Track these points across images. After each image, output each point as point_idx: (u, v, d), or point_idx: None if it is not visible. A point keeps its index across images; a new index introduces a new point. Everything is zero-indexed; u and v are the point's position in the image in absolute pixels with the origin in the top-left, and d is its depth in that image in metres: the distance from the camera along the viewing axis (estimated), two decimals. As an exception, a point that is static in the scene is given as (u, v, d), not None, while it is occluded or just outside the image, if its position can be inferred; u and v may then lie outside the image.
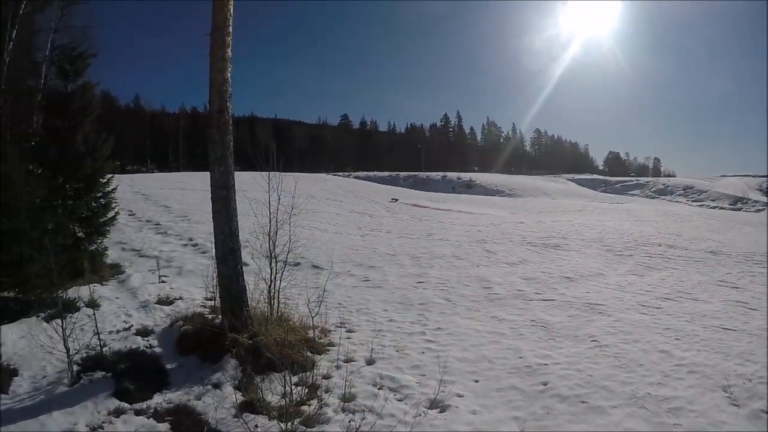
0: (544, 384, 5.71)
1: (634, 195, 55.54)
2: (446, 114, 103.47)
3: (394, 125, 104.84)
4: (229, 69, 6.83)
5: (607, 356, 6.34)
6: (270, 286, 7.01)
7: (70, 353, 6.07)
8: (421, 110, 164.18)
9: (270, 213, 7.00)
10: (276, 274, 6.98)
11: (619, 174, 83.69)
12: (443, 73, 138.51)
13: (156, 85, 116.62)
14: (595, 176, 73.99)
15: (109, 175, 10.84)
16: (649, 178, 70.61)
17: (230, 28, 6.84)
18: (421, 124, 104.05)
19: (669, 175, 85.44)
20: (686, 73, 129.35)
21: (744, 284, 9.89)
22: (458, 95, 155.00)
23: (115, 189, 10.89)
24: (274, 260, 7.01)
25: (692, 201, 54.11)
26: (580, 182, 63.65)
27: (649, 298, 8.87)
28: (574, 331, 7.27)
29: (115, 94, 73.07)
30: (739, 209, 48.71)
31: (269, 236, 7.06)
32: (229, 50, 6.80)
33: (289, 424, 4.96)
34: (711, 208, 47.66)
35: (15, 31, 11.04)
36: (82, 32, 13.44)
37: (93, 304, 8.10)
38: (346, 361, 6.38)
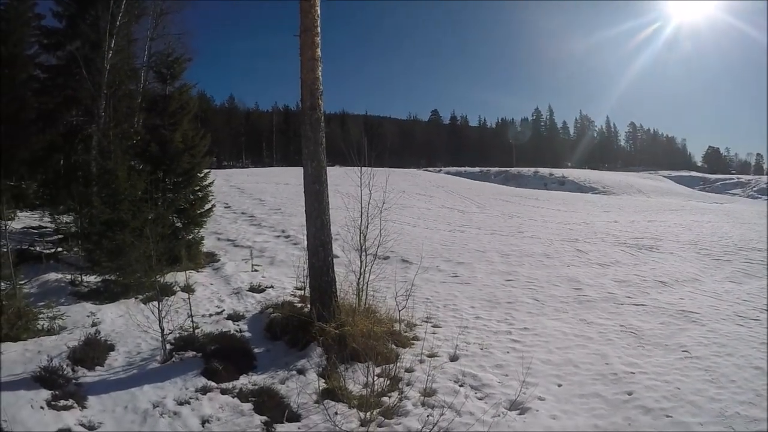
0: (629, 394, 5.47)
1: (734, 194, 50.82)
2: (537, 108, 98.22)
3: (484, 120, 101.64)
4: (320, 68, 7.01)
5: (697, 369, 5.96)
6: (359, 279, 7.20)
7: (164, 333, 6.61)
8: (512, 105, 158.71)
9: (361, 207, 7.18)
10: (365, 266, 7.16)
11: (719, 171, 77.06)
12: (534, 65, 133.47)
13: (249, 85, 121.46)
14: (693, 173, 68.32)
15: (206, 170, 11.61)
16: (751, 176, 64.28)
17: (318, 29, 7.01)
18: (512, 119, 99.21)
19: (772, 173, 77.60)
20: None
21: None
22: (550, 88, 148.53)
23: (211, 183, 11.68)
24: (364, 253, 7.20)
25: (798, 202, 48.64)
26: (678, 180, 58.87)
27: (746, 308, 8.13)
28: (664, 339, 6.88)
29: (210, 94, 77.94)
30: None
31: (360, 230, 7.26)
32: (318, 50, 6.97)
33: (369, 413, 5.08)
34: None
35: (114, 41, 12.00)
36: (176, 39, 14.47)
37: (188, 289, 8.75)
38: (429, 356, 6.43)
